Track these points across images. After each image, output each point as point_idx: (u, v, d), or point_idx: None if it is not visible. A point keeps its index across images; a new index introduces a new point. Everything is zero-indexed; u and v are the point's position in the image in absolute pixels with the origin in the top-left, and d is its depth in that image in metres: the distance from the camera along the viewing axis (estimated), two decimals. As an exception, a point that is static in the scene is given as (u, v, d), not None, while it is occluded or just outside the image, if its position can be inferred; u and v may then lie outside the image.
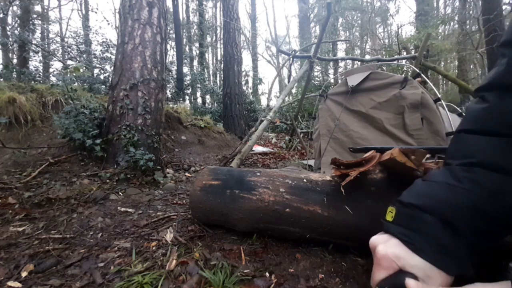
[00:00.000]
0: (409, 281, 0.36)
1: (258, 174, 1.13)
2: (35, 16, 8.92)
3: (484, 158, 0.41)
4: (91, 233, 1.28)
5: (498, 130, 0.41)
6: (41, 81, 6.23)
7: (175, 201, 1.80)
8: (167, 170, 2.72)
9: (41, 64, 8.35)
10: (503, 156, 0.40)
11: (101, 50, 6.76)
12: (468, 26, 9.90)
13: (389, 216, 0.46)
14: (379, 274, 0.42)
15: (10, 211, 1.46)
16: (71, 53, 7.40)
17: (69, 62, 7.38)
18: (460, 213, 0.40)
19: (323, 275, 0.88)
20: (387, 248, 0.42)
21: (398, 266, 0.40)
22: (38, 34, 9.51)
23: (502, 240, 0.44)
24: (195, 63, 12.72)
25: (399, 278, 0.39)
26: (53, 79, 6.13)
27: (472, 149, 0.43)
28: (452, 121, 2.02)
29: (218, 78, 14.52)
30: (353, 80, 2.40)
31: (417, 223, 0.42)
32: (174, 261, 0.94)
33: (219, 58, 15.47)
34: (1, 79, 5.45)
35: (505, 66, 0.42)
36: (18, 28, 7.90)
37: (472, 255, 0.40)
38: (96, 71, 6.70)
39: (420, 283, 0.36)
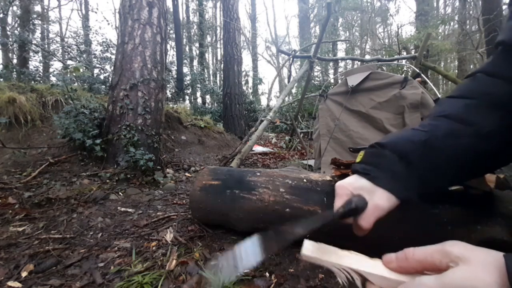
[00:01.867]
0: (385, 257, 0.36)
1: (258, 174, 1.13)
2: (35, 16, 8.91)
3: (451, 111, 0.48)
4: (91, 233, 1.28)
5: (474, 96, 0.48)
6: (41, 81, 6.23)
7: (175, 201, 1.80)
8: (167, 170, 2.72)
9: (41, 64, 8.35)
10: (467, 111, 0.47)
11: (101, 50, 6.75)
12: (468, 26, 9.90)
13: (358, 158, 0.52)
14: (336, 203, 0.48)
15: (10, 211, 1.45)
16: (71, 53, 7.40)
17: (69, 62, 7.38)
18: (414, 148, 0.46)
19: (323, 275, 0.88)
20: (343, 181, 0.49)
21: (350, 191, 0.47)
22: (38, 34, 9.51)
23: (449, 185, 0.50)
24: (195, 63, 12.72)
25: (351, 201, 0.45)
26: (53, 79, 6.12)
27: (444, 107, 0.51)
28: (452, 121, 2.02)
29: (218, 78, 14.52)
30: (353, 80, 2.39)
31: (377, 158, 0.48)
32: (174, 261, 0.94)
33: (219, 58, 15.47)
34: (1, 79, 5.45)
35: (493, 58, 0.49)
36: (18, 28, 7.90)
37: (421, 185, 0.46)
38: (96, 71, 6.70)
39: (392, 254, 0.36)
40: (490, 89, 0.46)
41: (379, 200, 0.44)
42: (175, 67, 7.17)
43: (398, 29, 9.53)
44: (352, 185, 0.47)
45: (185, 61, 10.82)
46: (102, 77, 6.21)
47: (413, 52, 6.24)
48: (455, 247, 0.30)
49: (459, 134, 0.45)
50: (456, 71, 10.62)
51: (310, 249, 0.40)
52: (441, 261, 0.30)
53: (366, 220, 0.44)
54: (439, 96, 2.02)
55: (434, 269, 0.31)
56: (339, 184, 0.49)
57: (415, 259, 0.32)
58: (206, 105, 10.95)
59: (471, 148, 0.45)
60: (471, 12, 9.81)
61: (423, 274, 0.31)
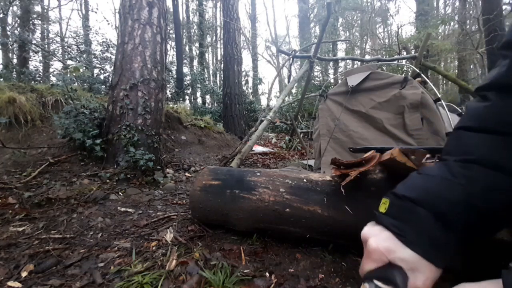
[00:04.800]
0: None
1: (258, 174, 1.13)
2: (35, 16, 8.92)
3: (481, 155, 0.41)
4: (91, 233, 1.28)
5: (497, 129, 0.41)
6: (41, 81, 6.23)
7: (175, 201, 1.80)
8: (167, 170, 2.72)
9: (41, 64, 8.36)
10: (500, 153, 0.40)
11: (101, 50, 6.76)
12: (468, 26, 9.90)
13: (383, 208, 0.46)
14: (368, 266, 0.43)
15: (10, 211, 1.45)
16: (71, 53, 7.39)
17: (69, 62, 7.37)
18: (453, 208, 0.40)
19: (323, 275, 0.88)
20: (379, 241, 0.42)
21: (388, 260, 0.41)
22: (38, 34, 9.53)
23: (492, 236, 0.44)
24: (195, 63, 12.73)
25: (387, 271, 0.40)
26: (53, 79, 6.13)
27: (469, 146, 0.44)
28: (452, 121, 2.02)
29: (218, 78, 14.52)
30: (353, 80, 2.40)
31: (409, 216, 0.42)
32: (174, 261, 0.94)
33: (219, 58, 15.47)
34: (1, 79, 5.44)
35: (506, 68, 0.42)
36: (18, 28, 7.90)
37: (461, 250, 0.41)
38: (96, 71, 6.70)
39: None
40: (511, 113, 0.40)
41: (423, 284, 0.38)
42: (175, 67, 7.17)
43: (398, 29, 9.54)
44: (391, 254, 0.40)
45: (185, 61, 10.83)
46: (102, 77, 6.21)
47: (413, 52, 6.24)
48: None
49: (500, 188, 0.39)
50: (456, 71, 10.62)
51: None
52: None
53: None
54: (439, 96, 2.02)
55: None
56: (375, 247, 0.42)
57: None
58: (206, 105, 10.96)
59: None
60: (471, 12, 9.81)
61: None
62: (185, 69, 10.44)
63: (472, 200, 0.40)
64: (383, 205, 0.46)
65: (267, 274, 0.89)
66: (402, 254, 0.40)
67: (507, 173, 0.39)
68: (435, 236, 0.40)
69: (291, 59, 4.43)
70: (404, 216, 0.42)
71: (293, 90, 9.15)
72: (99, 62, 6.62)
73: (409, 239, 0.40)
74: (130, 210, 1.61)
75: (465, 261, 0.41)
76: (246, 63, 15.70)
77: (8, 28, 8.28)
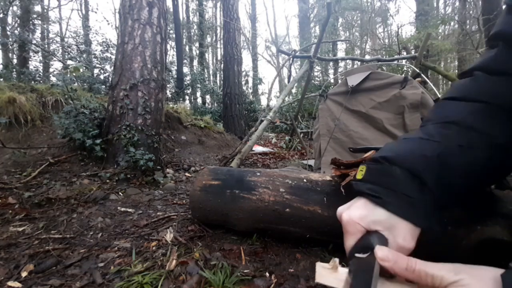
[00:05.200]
0: (378, 248, 0.35)
1: (258, 174, 1.13)
2: (35, 16, 8.92)
3: (458, 118, 0.43)
4: (91, 233, 1.28)
5: (479, 98, 0.43)
6: (41, 81, 6.23)
7: (175, 201, 1.80)
8: (167, 170, 2.72)
9: (41, 64, 8.36)
10: (476, 118, 0.42)
11: (101, 50, 6.76)
12: (468, 26, 9.90)
13: (359, 175, 0.45)
14: (348, 242, 0.41)
15: (10, 211, 1.45)
16: (71, 53, 7.40)
17: (69, 62, 7.37)
18: (428, 164, 0.40)
19: (323, 275, 0.87)
20: (350, 212, 0.42)
21: (363, 228, 0.40)
22: (38, 34, 9.53)
23: (464, 201, 0.45)
24: (195, 63, 12.73)
25: (365, 240, 0.38)
26: (53, 79, 6.13)
27: (449, 111, 0.46)
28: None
29: (218, 78, 14.52)
30: (353, 80, 2.40)
31: (385, 177, 0.42)
32: (174, 261, 0.94)
33: (219, 58, 15.47)
34: (1, 79, 5.44)
35: (494, 53, 0.44)
36: (18, 28, 7.90)
37: (437, 210, 0.41)
38: (96, 71, 6.70)
39: (389, 249, 0.36)
40: (494, 90, 0.42)
41: (404, 239, 0.38)
42: (175, 67, 7.17)
43: (398, 29, 9.54)
44: (364, 219, 0.40)
45: (185, 61, 10.83)
46: (102, 77, 6.21)
47: (413, 52, 6.24)
48: (458, 272, 0.30)
49: (475, 145, 0.40)
50: (456, 71, 10.62)
51: (323, 275, 0.37)
52: (440, 284, 0.31)
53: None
54: (439, 96, 2.02)
55: (429, 287, 0.32)
56: (348, 219, 0.41)
57: (414, 273, 0.32)
58: (206, 105, 10.96)
59: (489, 160, 0.41)
60: (471, 12, 9.81)
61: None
62: (185, 69, 10.44)
63: (447, 156, 0.41)
64: (360, 172, 0.46)
65: (267, 274, 0.89)
66: (375, 216, 0.39)
67: (480, 133, 0.41)
68: (410, 194, 0.39)
69: (291, 59, 4.43)
70: (380, 178, 0.42)
71: (293, 90, 9.15)
72: (99, 62, 6.62)
73: (384, 199, 0.39)
74: (130, 210, 1.61)
75: (443, 223, 0.40)
76: (246, 63, 15.71)
77: (8, 28, 8.28)
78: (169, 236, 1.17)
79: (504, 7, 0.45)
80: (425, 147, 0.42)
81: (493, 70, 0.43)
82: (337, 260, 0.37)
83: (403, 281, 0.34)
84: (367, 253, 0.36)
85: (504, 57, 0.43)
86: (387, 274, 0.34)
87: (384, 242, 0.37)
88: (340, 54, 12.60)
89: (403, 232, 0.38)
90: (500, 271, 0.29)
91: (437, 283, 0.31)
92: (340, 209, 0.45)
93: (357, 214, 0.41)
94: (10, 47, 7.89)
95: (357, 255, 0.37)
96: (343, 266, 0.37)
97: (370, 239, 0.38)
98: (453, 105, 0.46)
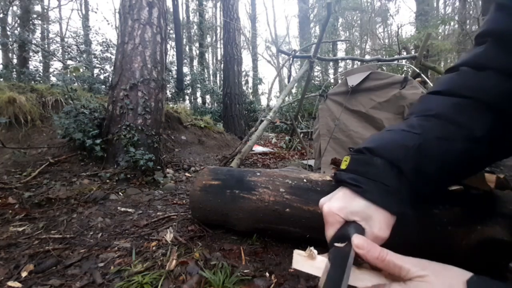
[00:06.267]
0: (355, 236, 0.37)
1: (258, 174, 1.13)
2: (35, 16, 8.91)
3: (439, 111, 0.45)
4: (91, 233, 1.28)
5: (461, 92, 0.44)
6: (41, 81, 6.23)
7: (175, 201, 1.80)
8: (167, 170, 2.72)
9: (41, 64, 8.36)
10: (456, 111, 0.43)
11: (101, 50, 6.76)
12: (468, 26, 9.89)
13: (343, 165, 0.47)
14: (328, 232, 0.44)
15: (10, 211, 1.46)
16: (71, 53, 7.40)
17: (69, 62, 7.38)
18: (407, 154, 0.42)
19: (323, 275, 0.88)
20: (330, 204, 0.44)
21: (342, 218, 0.42)
22: (38, 34, 9.52)
23: (439, 190, 0.47)
24: (195, 63, 12.73)
25: (344, 229, 0.40)
26: (53, 79, 6.13)
27: (431, 105, 0.47)
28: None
29: (218, 78, 14.52)
30: (353, 80, 2.39)
31: (367, 167, 0.43)
32: (174, 261, 0.94)
33: (219, 58, 15.46)
34: (1, 79, 5.44)
35: (483, 49, 0.45)
36: (18, 28, 7.90)
37: (413, 198, 0.43)
38: (96, 71, 6.71)
39: (365, 238, 0.37)
40: (480, 85, 0.43)
41: (379, 229, 0.40)
42: (175, 67, 7.17)
43: (398, 29, 9.54)
44: (342, 210, 0.42)
45: (185, 61, 10.83)
46: (102, 77, 6.22)
47: (413, 52, 6.24)
48: (424, 268, 0.32)
49: (452, 137, 0.42)
50: (456, 71, 10.58)
51: (299, 262, 0.39)
52: (406, 276, 0.33)
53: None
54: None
55: (397, 278, 0.34)
56: (328, 210, 0.43)
57: (384, 262, 0.34)
58: (206, 105, 10.96)
59: (465, 152, 0.43)
60: (471, 12, 9.81)
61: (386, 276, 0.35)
62: (185, 69, 10.44)
63: (426, 146, 0.42)
64: (344, 163, 0.48)
65: (267, 274, 0.89)
66: (353, 207, 0.41)
67: (459, 126, 0.43)
68: (388, 182, 0.41)
69: (291, 59, 4.43)
70: (361, 168, 0.44)
71: (293, 90, 9.15)
72: (99, 62, 6.63)
73: (365, 188, 0.41)
74: (130, 210, 1.61)
75: (416, 208, 0.43)
76: (246, 63, 15.70)
77: (8, 28, 8.28)
78: (169, 236, 1.17)
79: (493, 5, 0.45)
80: (405, 138, 0.44)
81: (480, 65, 0.44)
82: (313, 248, 0.40)
83: (370, 269, 0.37)
84: (344, 242, 0.38)
85: (492, 53, 0.43)
86: (357, 262, 0.37)
87: (361, 231, 0.39)
88: (340, 54, 12.60)
89: (379, 222, 0.40)
90: (468, 275, 0.30)
91: (403, 274, 0.33)
92: (321, 201, 0.48)
93: (336, 205, 0.43)
94: (10, 47, 7.89)
95: (336, 244, 0.40)
96: (319, 254, 0.40)
97: (348, 229, 0.40)
98: (435, 99, 0.47)
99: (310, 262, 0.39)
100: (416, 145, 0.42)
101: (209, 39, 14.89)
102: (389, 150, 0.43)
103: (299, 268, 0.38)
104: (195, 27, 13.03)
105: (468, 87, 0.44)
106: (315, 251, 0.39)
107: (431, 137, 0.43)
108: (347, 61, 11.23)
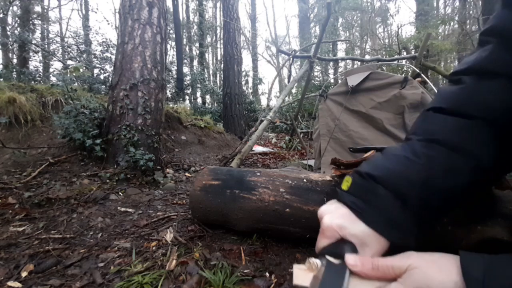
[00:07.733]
0: (348, 256, 0.38)
1: (258, 174, 1.13)
2: (35, 16, 8.92)
3: (444, 136, 0.42)
4: (91, 233, 1.28)
5: (467, 111, 0.42)
6: (41, 81, 6.23)
7: (175, 201, 1.80)
8: (167, 170, 2.72)
9: (41, 64, 8.36)
10: (463, 136, 0.41)
11: (101, 50, 6.76)
12: (468, 26, 9.89)
13: (345, 185, 0.47)
14: (322, 242, 0.44)
15: (10, 211, 1.45)
16: (71, 53, 7.40)
17: (69, 62, 7.38)
18: (412, 187, 0.41)
19: (323, 275, 0.87)
20: (332, 218, 0.43)
21: (340, 236, 0.42)
22: (38, 34, 9.53)
23: (446, 216, 0.47)
24: (195, 63, 12.73)
25: (339, 246, 0.41)
26: (53, 79, 6.13)
27: (435, 127, 0.44)
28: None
29: (218, 78, 14.53)
30: (353, 80, 2.39)
31: (369, 195, 0.43)
32: (174, 261, 0.94)
33: (219, 58, 15.47)
34: (1, 79, 5.44)
35: (488, 52, 0.42)
36: (18, 28, 7.90)
37: (416, 228, 0.42)
38: (96, 71, 6.71)
39: (357, 256, 0.38)
40: (486, 100, 0.40)
41: (372, 255, 0.40)
42: (175, 67, 7.18)
43: (398, 29, 9.52)
44: (342, 230, 0.41)
45: (185, 61, 10.83)
46: (102, 77, 6.22)
47: (413, 52, 6.24)
48: (409, 258, 0.34)
49: (459, 169, 0.40)
50: (456, 71, 10.57)
51: (300, 277, 0.39)
52: (399, 272, 0.34)
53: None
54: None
55: (394, 279, 0.35)
56: (329, 224, 0.43)
57: (379, 269, 0.35)
58: (206, 105, 10.95)
59: (471, 183, 0.41)
60: (471, 12, 9.81)
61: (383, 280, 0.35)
62: (185, 69, 10.45)
63: (431, 180, 0.41)
64: (346, 183, 0.47)
65: (267, 274, 0.89)
66: (353, 230, 0.41)
67: (466, 156, 0.40)
68: (392, 214, 0.41)
69: (291, 59, 4.43)
70: (364, 194, 0.43)
71: (293, 90, 9.15)
72: (99, 62, 6.63)
73: (366, 216, 0.41)
74: (130, 210, 1.61)
75: (419, 238, 0.42)
76: (246, 63, 15.71)
77: (8, 28, 8.28)
78: (169, 236, 1.17)
79: (499, 2, 0.43)
80: (409, 169, 0.42)
81: (486, 71, 0.42)
82: (312, 259, 0.39)
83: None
84: (337, 258, 0.39)
85: (499, 56, 0.40)
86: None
87: (355, 251, 0.40)
88: (340, 54, 12.60)
89: (373, 250, 0.40)
90: (453, 255, 0.32)
91: (397, 272, 0.34)
92: (322, 210, 0.47)
93: (338, 222, 0.42)
94: (10, 47, 7.90)
95: (329, 258, 0.40)
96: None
97: (344, 248, 0.40)
98: (439, 119, 0.45)
99: (311, 275, 0.39)
100: (421, 178, 0.41)
101: (209, 39, 14.89)
102: (393, 182, 0.42)
103: (300, 284, 0.38)
104: (195, 27, 13.03)
105: (473, 103, 0.41)
106: (316, 262, 0.39)
107: (436, 170, 0.41)
108: (347, 61, 11.23)
